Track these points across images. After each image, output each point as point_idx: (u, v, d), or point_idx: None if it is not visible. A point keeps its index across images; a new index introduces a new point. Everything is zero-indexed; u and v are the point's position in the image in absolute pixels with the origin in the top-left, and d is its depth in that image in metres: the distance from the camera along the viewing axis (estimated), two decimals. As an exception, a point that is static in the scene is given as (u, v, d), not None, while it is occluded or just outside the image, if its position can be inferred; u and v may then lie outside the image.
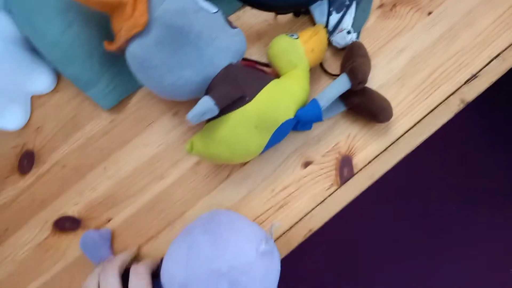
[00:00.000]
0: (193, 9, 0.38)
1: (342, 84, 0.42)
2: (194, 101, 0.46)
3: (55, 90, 0.48)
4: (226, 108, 0.39)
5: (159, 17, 0.37)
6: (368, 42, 0.47)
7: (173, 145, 0.47)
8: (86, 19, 0.41)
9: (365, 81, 0.41)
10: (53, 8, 0.39)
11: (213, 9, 0.40)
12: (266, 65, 0.46)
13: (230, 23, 0.41)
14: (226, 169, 0.46)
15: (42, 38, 0.40)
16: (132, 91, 0.47)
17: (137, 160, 0.47)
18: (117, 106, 0.47)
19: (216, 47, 0.39)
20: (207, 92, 0.40)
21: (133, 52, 0.38)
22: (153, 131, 0.47)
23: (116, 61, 0.45)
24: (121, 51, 0.40)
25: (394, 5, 0.47)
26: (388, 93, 0.46)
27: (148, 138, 0.47)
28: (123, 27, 0.37)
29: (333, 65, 0.47)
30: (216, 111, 0.38)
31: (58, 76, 0.48)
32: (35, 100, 0.48)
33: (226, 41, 0.40)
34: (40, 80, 0.45)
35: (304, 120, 0.41)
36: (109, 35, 0.42)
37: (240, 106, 0.39)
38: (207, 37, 0.38)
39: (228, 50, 0.40)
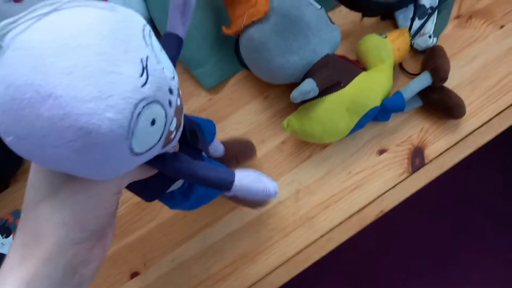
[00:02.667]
0: (305, 3, 0.44)
1: (425, 80, 0.47)
2: (283, 88, 0.52)
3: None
4: (323, 91, 0.44)
5: (277, 7, 0.43)
6: (445, 47, 0.52)
7: (262, 125, 0.52)
8: (206, 6, 0.48)
9: (446, 78, 0.47)
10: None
11: (318, 5, 0.46)
12: (354, 61, 0.52)
13: (330, 19, 0.47)
14: (308, 149, 0.52)
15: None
16: (231, 74, 0.53)
17: (231, 135, 0.52)
18: (216, 86, 0.53)
19: (320, 37, 0.45)
20: (307, 76, 0.46)
21: (252, 35, 0.44)
22: (246, 111, 0.53)
23: (222, 46, 0.51)
24: (236, 34, 0.46)
25: (470, 17, 0.53)
26: (459, 95, 0.50)
27: (241, 117, 0.53)
28: (246, 13, 0.44)
29: (411, 66, 0.52)
30: (317, 91, 0.43)
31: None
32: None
33: (327, 34, 0.46)
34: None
35: (389, 108, 0.47)
36: (222, 21, 0.48)
37: (336, 90, 0.45)
38: (314, 28, 0.44)
39: (329, 41, 0.46)
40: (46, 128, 0.18)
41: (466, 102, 0.50)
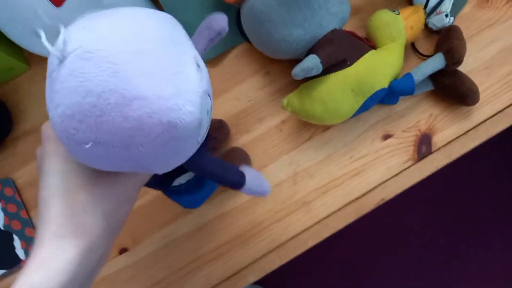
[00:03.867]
0: (313, -27, 0.41)
1: (438, 62, 0.44)
2: (285, 64, 0.49)
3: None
4: (327, 68, 0.41)
5: (283, -25, 0.40)
6: (462, 28, 0.48)
7: (261, 102, 0.50)
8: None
9: (460, 62, 0.43)
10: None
11: (327, -24, 0.42)
12: (363, 38, 0.49)
13: (339, -8, 0.44)
14: (309, 131, 0.49)
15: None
16: (231, 46, 0.50)
17: (228, 111, 0.50)
18: (215, 59, 0.51)
19: (327, 10, 0.42)
20: (311, 51, 0.43)
21: (254, 4, 0.41)
22: (245, 86, 0.50)
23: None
24: (238, 3, 0.43)
25: (491, -4, 0.49)
26: (474, 80, 0.47)
27: (240, 93, 0.50)
28: (248, -20, 0.40)
29: (424, 46, 0.49)
30: (320, 68, 0.40)
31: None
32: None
33: (336, 7, 0.42)
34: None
35: (397, 91, 0.44)
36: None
37: (341, 69, 0.42)
38: (321, 0, 0.41)
39: (336, 15, 0.43)
40: (134, 128, 0.20)
41: (480, 88, 0.47)
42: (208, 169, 0.32)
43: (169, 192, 0.38)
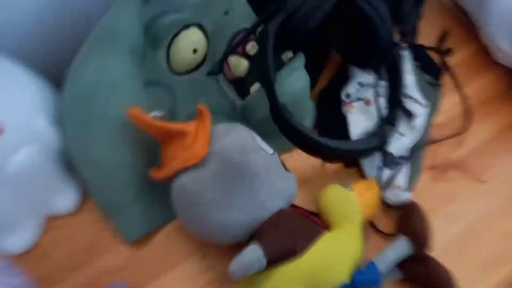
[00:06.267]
0: (253, 147, 0.36)
1: (403, 248, 0.37)
2: (226, 245, 0.41)
3: (73, 214, 0.43)
4: (273, 260, 0.33)
5: (219, 152, 0.35)
6: (421, 203, 0.43)
7: (197, 294, 0.39)
8: (136, 143, 0.39)
9: (428, 247, 0.37)
10: (110, 126, 0.37)
11: (270, 150, 0.38)
12: (314, 214, 0.43)
13: (284, 165, 0.39)
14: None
15: (88, 155, 0.38)
16: (162, 223, 0.42)
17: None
18: (140, 240, 0.42)
19: (271, 189, 0.36)
20: (254, 238, 0.35)
21: (184, 184, 0.35)
22: (177, 274, 0.40)
23: (153, 190, 0.41)
24: (167, 180, 0.36)
25: (446, 169, 0.47)
26: (447, 265, 0.40)
27: (170, 282, 0.40)
28: (178, 156, 0.35)
29: (384, 223, 0.43)
30: (264, 263, 0.32)
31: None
32: (49, 222, 0.42)
33: (281, 184, 0.37)
34: (63, 200, 0.41)
35: (360, 285, 0.35)
36: (153, 163, 0.39)
37: (290, 260, 0.34)
38: (263, 178, 0.36)
39: (282, 194, 0.37)
40: None
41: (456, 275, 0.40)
42: None
43: None
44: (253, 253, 0.32)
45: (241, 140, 0.36)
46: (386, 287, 0.40)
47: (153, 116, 0.36)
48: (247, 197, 0.35)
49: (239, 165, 0.34)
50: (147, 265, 0.41)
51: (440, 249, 0.42)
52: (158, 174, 0.36)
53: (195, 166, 0.34)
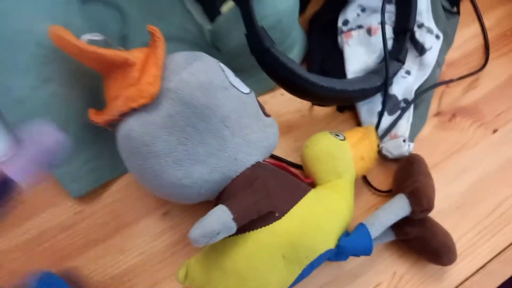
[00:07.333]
0: (222, 84, 0.28)
1: (401, 209, 0.31)
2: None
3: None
4: (246, 224, 0.27)
5: (175, 89, 0.27)
6: (423, 155, 0.37)
7: (158, 257, 0.34)
8: (71, 77, 0.30)
9: (430, 209, 0.31)
10: (29, 58, 0.29)
11: (245, 88, 0.30)
12: (297, 166, 0.36)
13: (263, 109, 0.31)
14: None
15: (6, 92, 0.29)
16: (112, 177, 0.35)
17: (104, 273, 0.33)
18: (88, 194, 0.35)
19: (244, 138, 0.29)
20: (223, 197, 0.29)
21: (130, 131, 0.27)
22: (133, 234, 0.34)
23: (98, 136, 0.33)
24: (111, 126, 0.29)
25: (454, 115, 0.40)
26: (443, 224, 0.35)
27: (125, 243, 0.34)
28: (121, 94, 0.26)
29: (378, 178, 0.37)
30: (233, 229, 0.26)
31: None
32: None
33: (257, 133, 0.30)
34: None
35: (348, 252, 0.30)
36: (97, 102, 0.31)
37: (266, 224, 0.28)
38: (234, 124, 0.28)
39: (259, 144, 0.30)
40: None
41: (454, 236, 0.35)
42: None
43: None
44: (220, 217, 0.25)
45: (205, 74, 0.28)
46: (376, 248, 0.35)
47: (87, 40, 0.27)
48: (213, 149, 0.27)
49: (202, 108, 0.27)
50: (97, 223, 0.34)
51: (440, 206, 0.36)
52: (99, 118, 0.28)
53: (144, 107, 0.26)
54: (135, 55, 0.27)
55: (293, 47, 0.38)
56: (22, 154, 0.25)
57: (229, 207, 0.26)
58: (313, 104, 0.39)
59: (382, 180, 0.37)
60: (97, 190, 0.35)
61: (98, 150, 0.33)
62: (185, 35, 0.36)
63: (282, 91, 0.39)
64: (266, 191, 0.28)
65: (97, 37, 0.28)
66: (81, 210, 0.35)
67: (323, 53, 0.41)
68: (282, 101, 0.39)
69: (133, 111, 0.27)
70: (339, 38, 0.40)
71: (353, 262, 0.34)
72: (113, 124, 0.28)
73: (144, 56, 0.27)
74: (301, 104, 0.39)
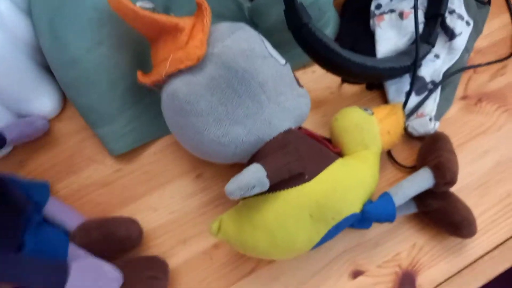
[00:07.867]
0: (262, 53, 0.30)
1: (425, 181, 0.33)
2: (224, 164, 0.37)
3: (55, 119, 0.38)
4: (277, 184, 0.29)
5: (220, 53, 0.29)
6: (448, 134, 0.38)
7: (188, 216, 0.36)
8: (120, 41, 0.33)
9: (453, 182, 0.33)
10: (86, 18, 0.31)
11: (282, 59, 0.32)
12: (326, 139, 0.38)
13: (297, 80, 0.33)
14: (250, 260, 0.35)
15: (62, 51, 0.32)
16: (150, 139, 0.37)
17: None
18: (127, 154, 0.37)
19: (279, 105, 0.31)
20: (256, 159, 0.31)
21: (176, 90, 0.29)
22: (167, 193, 0.37)
23: (141, 99, 0.36)
24: (157, 86, 0.31)
25: (480, 100, 0.41)
26: (466, 201, 0.36)
27: (158, 201, 0.36)
28: (171, 57, 0.29)
29: (402, 154, 0.38)
30: (267, 185, 0.28)
31: (65, 103, 0.38)
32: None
33: (291, 101, 0.31)
34: (41, 103, 0.36)
35: (372, 218, 0.32)
36: (141, 66, 0.33)
37: (296, 185, 0.30)
38: (271, 90, 0.30)
39: (292, 111, 0.32)
40: None
41: (474, 213, 0.36)
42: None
43: None
44: (255, 173, 0.27)
45: (247, 42, 0.30)
46: (397, 220, 0.36)
47: (140, 6, 0.29)
48: (251, 111, 0.29)
49: (243, 72, 0.29)
50: (134, 181, 0.37)
51: (462, 183, 0.38)
52: (147, 79, 0.30)
53: (190, 69, 0.29)
54: (184, 20, 0.29)
55: (327, 26, 0.40)
56: None
57: (263, 165, 0.28)
58: (343, 81, 0.40)
59: (406, 157, 0.38)
60: (136, 150, 0.38)
61: (140, 112, 0.36)
62: (225, 12, 0.38)
63: (313, 68, 0.41)
64: (298, 154, 0.30)
65: (147, 4, 0.30)
66: (120, 168, 0.37)
67: (354, 36, 0.42)
68: (313, 78, 0.41)
69: (180, 72, 0.29)
70: (371, 21, 0.41)
71: (374, 231, 0.36)
72: (159, 85, 0.30)
73: (191, 23, 0.29)
74: (331, 82, 0.41)
